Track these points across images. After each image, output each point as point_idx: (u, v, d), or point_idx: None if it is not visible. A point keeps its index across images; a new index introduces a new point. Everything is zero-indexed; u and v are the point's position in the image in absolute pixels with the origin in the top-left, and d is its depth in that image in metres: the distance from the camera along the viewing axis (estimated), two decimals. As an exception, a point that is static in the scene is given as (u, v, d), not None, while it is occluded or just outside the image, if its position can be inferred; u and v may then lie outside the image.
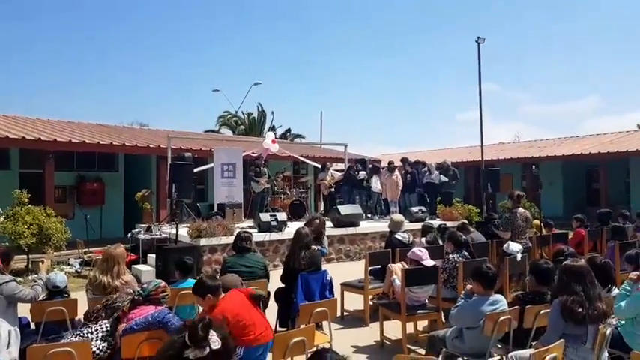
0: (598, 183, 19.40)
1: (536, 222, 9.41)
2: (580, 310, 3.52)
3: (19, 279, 8.71)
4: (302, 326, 4.12)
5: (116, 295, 4.12)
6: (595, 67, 61.44)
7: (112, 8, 61.90)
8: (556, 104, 64.85)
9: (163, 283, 4.02)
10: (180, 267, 5.36)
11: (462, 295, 4.29)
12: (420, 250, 5.37)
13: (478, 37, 14.69)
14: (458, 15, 63.06)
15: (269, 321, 4.16)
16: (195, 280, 5.34)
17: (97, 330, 3.85)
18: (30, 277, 8.81)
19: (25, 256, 10.06)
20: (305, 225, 6.45)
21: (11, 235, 9.82)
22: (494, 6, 61.87)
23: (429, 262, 5.29)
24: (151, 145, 14.22)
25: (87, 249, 11.06)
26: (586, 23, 57.77)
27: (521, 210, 7.40)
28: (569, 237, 8.97)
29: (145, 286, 3.92)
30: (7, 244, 9.82)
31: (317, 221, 6.90)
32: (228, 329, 2.26)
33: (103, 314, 3.97)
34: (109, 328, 3.90)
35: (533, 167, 19.08)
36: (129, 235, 11.22)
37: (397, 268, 5.63)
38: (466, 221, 9.70)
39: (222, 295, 3.90)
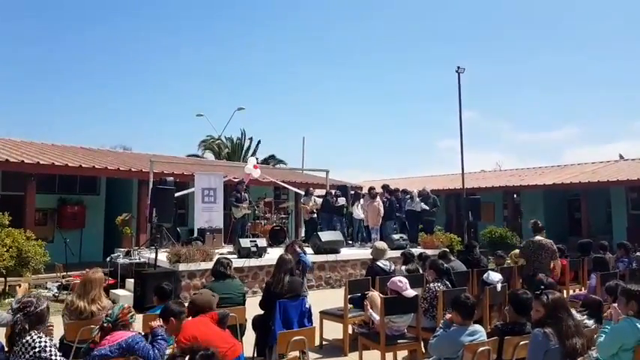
0: (579, 213, 19.58)
1: (516, 251, 9.48)
2: (578, 344, 3.53)
3: (5, 300, 8.53)
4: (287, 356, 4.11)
5: (34, 298, 3.71)
6: (575, 97, 63.02)
7: (100, 28, 62.12)
8: (536, 133, 66.11)
9: (127, 305, 4.00)
10: (159, 293, 5.29)
11: (440, 325, 4.29)
12: (400, 281, 5.33)
13: (458, 67, 15.06)
14: (439, 42, 64.47)
15: (246, 349, 4.17)
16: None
17: (24, 349, 3.42)
18: (7, 301, 8.59)
19: (2, 279, 9.85)
20: (286, 251, 6.44)
21: (-11, 257, 9.64)
22: (475, 34, 63.47)
23: (409, 292, 5.27)
24: (133, 169, 14.11)
25: (65, 273, 10.85)
26: (564, 54, 59.48)
27: (537, 238, 7.29)
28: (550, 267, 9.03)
29: (110, 312, 3.86)
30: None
31: (292, 245, 6.91)
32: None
33: (27, 325, 3.53)
34: (45, 343, 3.49)
35: (515, 196, 19.36)
36: (108, 259, 11.06)
37: (376, 297, 5.61)
38: (447, 249, 9.76)
39: (187, 319, 4.05)
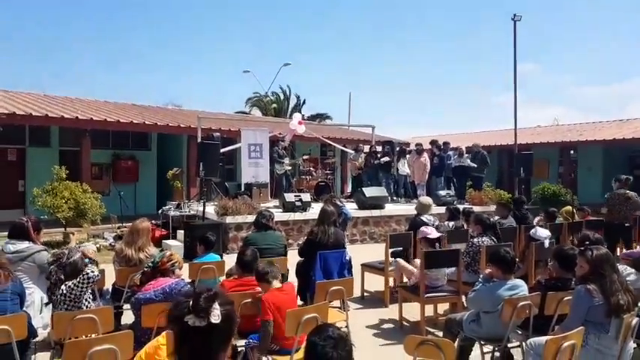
0: (641, 169, 18.59)
1: (568, 208, 9.11)
2: (622, 300, 3.38)
3: (53, 250, 9.12)
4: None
5: (66, 250, 3.97)
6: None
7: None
8: (601, 86, 62.11)
9: (169, 253, 4.11)
10: (203, 242, 5.50)
11: (480, 279, 4.22)
12: (426, 228, 5.60)
13: (514, 15, 14.25)
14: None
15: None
16: (216, 255, 5.50)
17: (63, 295, 3.75)
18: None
19: (62, 229, 10.47)
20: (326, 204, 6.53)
21: (50, 208, 10.25)
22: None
23: (434, 234, 5.46)
24: (181, 125, 14.47)
25: (120, 224, 11.41)
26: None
27: (622, 191, 7.82)
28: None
29: (151, 259, 4.01)
30: (46, 217, 10.26)
31: (332, 198, 6.99)
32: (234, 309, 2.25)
33: (62, 276, 3.82)
34: (78, 289, 3.81)
35: (571, 152, 18.46)
36: (160, 211, 11.53)
37: (404, 265, 5.72)
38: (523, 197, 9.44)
39: (274, 283, 3.97)
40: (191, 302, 1.96)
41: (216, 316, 1.92)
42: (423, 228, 5.61)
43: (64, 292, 3.80)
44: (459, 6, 63.02)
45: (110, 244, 10.42)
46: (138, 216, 11.10)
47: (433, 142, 13.56)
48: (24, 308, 4.04)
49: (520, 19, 14.30)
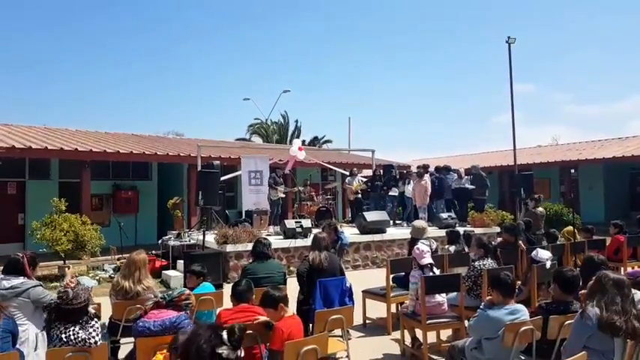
0: (642, 186, 18.59)
1: (570, 228, 9.01)
2: (618, 321, 3.28)
3: (53, 284, 9.03)
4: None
5: (72, 291, 3.72)
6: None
7: (149, 19, 63.77)
8: (599, 105, 62.51)
9: (187, 291, 4.04)
10: (192, 274, 5.40)
11: (481, 307, 4.14)
12: (418, 249, 5.34)
13: (508, 37, 14.40)
14: (492, 11, 61.63)
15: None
16: (210, 285, 5.42)
17: (64, 338, 3.59)
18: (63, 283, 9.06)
19: (61, 262, 10.40)
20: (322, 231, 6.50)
21: (49, 241, 10.20)
22: (532, 3, 60.29)
23: (425, 260, 5.26)
24: (181, 154, 14.51)
25: (120, 255, 11.34)
26: (628, 18, 55.57)
27: (541, 209, 9.09)
28: (607, 244, 8.58)
29: (170, 292, 3.96)
30: (45, 250, 10.21)
31: (329, 225, 6.95)
32: None
33: (54, 317, 3.68)
34: (86, 336, 3.63)
35: (572, 171, 18.46)
36: (160, 241, 11.46)
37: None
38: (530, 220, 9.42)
39: (288, 310, 3.94)
40: (227, 333, 2.01)
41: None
42: (415, 248, 5.45)
43: (70, 336, 3.61)
44: (456, 27, 63.94)
45: (110, 276, 10.34)
46: (138, 247, 11.03)
47: (426, 167, 13.57)
48: (17, 345, 3.97)
49: (514, 41, 14.46)
